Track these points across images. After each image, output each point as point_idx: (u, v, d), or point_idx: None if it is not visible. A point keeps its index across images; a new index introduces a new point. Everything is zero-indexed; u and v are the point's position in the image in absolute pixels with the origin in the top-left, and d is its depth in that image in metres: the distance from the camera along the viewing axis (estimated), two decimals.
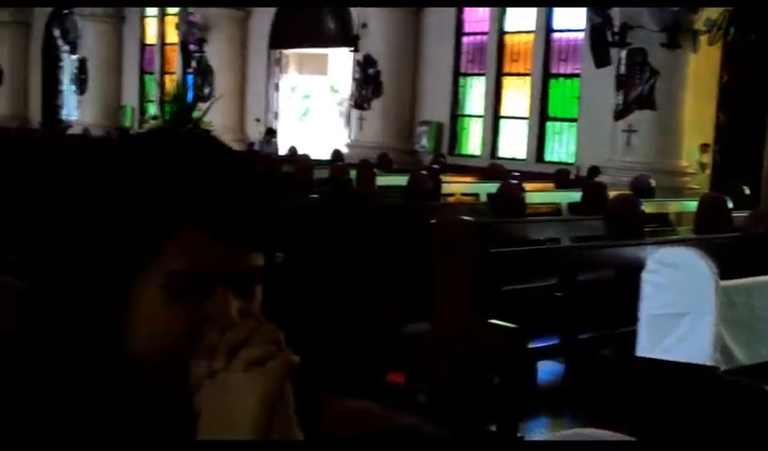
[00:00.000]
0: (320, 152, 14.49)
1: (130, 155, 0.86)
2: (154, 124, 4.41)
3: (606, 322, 4.65)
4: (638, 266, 4.90)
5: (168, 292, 0.81)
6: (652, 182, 9.47)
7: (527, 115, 14.04)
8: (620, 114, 11.45)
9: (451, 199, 9.49)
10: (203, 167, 0.84)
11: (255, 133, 16.87)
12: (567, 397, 4.82)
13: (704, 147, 12.28)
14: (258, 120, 17.17)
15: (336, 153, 13.87)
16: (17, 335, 0.86)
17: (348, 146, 15.45)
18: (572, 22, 13.37)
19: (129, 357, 0.83)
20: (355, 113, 15.70)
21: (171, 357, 0.81)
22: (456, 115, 15.16)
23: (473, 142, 15.12)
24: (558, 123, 13.88)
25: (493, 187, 9.62)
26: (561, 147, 13.84)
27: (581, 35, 12.92)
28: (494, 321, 3.91)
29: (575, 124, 13.42)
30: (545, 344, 4.22)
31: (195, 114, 5.11)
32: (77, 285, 0.84)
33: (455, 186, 10.11)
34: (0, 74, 22.22)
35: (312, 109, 19.24)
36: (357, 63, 15.39)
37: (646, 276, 3.21)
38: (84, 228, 0.85)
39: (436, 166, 11.05)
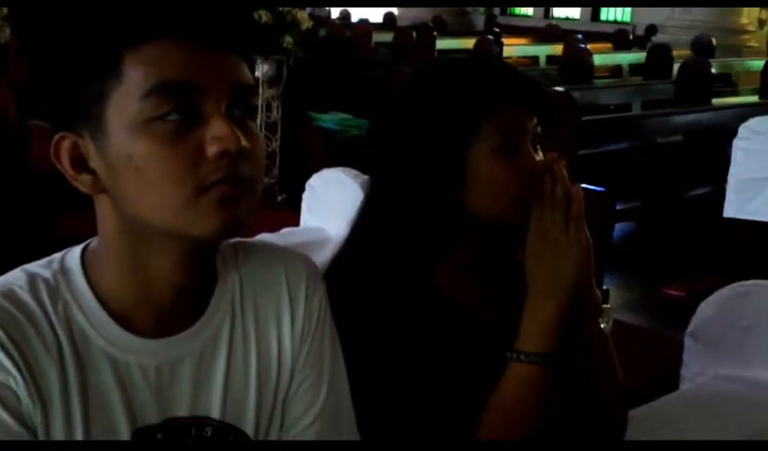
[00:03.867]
0: (367, 13, 14.39)
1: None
2: None
3: (679, 185, 4.91)
4: (711, 130, 5.13)
5: (495, 153, 1.12)
6: (714, 42, 9.45)
7: None
8: None
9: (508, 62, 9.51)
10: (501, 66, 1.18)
11: None
12: (642, 256, 5.07)
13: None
14: None
15: (388, 16, 13.82)
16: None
17: (399, 7, 15.31)
18: None
19: (468, 215, 1.14)
20: None
21: (507, 207, 1.13)
22: None
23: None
24: None
25: (551, 49, 9.68)
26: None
27: None
28: (583, 185, 4.18)
29: None
30: (628, 206, 4.49)
31: None
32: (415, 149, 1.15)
33: (513, 49, 10.12)
34: None
35: None
36: None
37: (737, 143, 3.44)
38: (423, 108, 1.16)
39: (497, 30, 11.00)
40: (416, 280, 1.14)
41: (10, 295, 0.84)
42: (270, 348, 0.96)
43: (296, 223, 2.40)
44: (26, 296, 0.84)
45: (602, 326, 1.15)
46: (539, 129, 1.15)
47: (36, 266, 0.89)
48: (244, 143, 0.83)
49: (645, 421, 1.43)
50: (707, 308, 1.58)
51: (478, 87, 1.13)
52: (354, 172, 2.15)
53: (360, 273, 1.15)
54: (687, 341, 1.70)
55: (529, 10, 14.71)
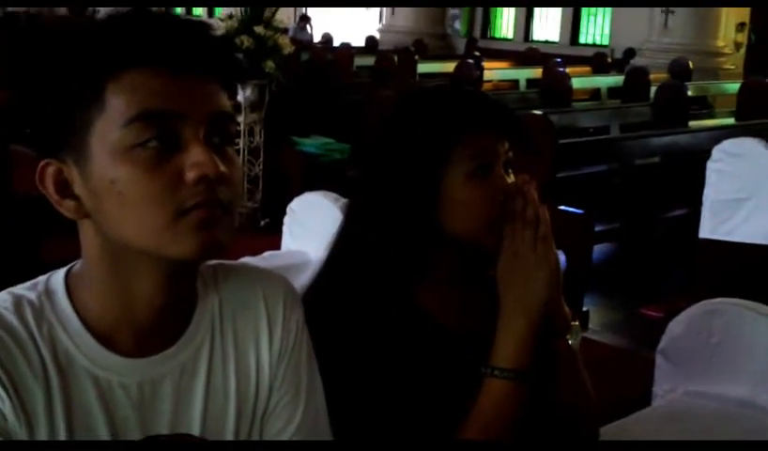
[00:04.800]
0: (349, 37, 14.52)
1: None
2: (228, 24, 4.61)
3: (657, 206, 4.98)
4: (688, 151, 5.21)
5: (468, 177, 1.16)
6: (691, 65, 9.59)
7: None
8: None
9: (488, 85, 9.61)
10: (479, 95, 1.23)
11: (285, 18, 16.79)
12: (621, 277, 5.12)
13: (740, 27, 12.26)
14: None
15: (370, 40, 13.95)
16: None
17: (381, 31, 15.47)
18: None
19: (445, 236, 1.17)
20: None
21: (481, 230, 1.16)
22: None
23: (506, 24, 15.11)
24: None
25: (531, 72, 9.79)
26: (596, 28, 13.85)
27: None
28: (563, 207, 4.24)
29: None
30: (607, 227, 4.55)
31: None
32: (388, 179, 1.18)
33: (494, 72, 10.21)
34: None
35: None
36: None
37: (711, 165, 3.51)
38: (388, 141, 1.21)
39: (477, 53, 11.12)
40: (395, 298, 1.18)
41: None
42: (249, 366, 0.99)
43: (278, 247, 2.43)
44: (12, 317, 0.87)
45: (570, 342, 1.18)
46: (511, 153, 1.19)
47: (21, 288, 0.92)
48: (222, 168, 0.86)
49: (616, 436, 1.46)
50: (676, 326, 1.62)
51: (448, 114, 1.17)
52: (334, 195, 2.19)
53: (340, 293, 1.18)
54: (658, 359, 1.73)
55: (510, 34, 14.88)
